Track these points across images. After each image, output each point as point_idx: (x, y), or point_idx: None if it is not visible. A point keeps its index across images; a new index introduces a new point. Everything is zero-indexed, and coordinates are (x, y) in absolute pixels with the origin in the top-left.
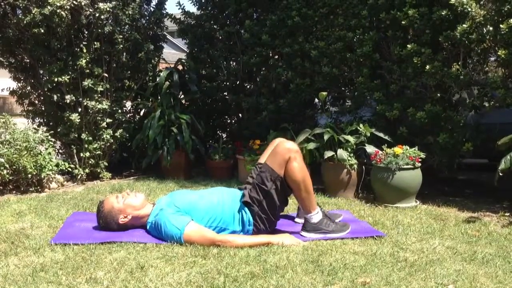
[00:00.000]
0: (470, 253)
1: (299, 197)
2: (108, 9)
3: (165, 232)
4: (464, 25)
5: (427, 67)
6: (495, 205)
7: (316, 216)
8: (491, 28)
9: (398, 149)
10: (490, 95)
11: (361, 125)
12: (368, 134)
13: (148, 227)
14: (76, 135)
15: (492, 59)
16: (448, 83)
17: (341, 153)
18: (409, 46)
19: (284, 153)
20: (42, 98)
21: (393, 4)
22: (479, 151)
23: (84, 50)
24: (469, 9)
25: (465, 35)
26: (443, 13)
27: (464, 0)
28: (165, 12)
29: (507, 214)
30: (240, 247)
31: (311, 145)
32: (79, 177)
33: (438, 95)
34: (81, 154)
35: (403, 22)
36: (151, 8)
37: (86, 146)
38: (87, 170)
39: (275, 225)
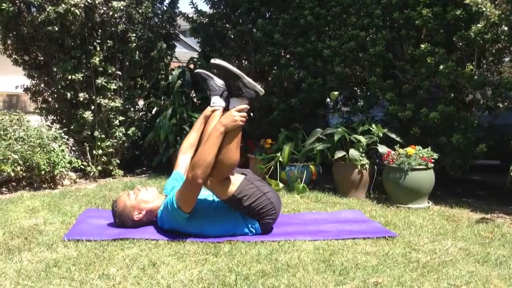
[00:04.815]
0: (483, 254)
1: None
2: (121, 7)
3: (168, 203)
4: (479, 25)
5: (441, 67)
6: (508, 207)
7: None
8: (506, 28)
9: (410, 150)
10: (504, 96)
11: (373, 126)
12: (381, 135)
13: (159, 216)
14: (89, 133)
15: (507, 59)
16: (462, 84)
17: (353, 153)
18: (422, 45)
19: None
20: (55, 95)
21: (406, 3)
22: (491, 152)
23: (98, 48)
24: (484, 9)
25: (480, 35)
26: (457, 13)
27: (478, 0)
28: (177, 11)
29: None
30: (211, 152)
31: (322, 145)
32: (91, 174)
33: (452, 95)
34: (94, 152)
35: (416, 22)
36: (164, 7)
37: (99, 143)
38: (99, 168)
39: (271, 204)
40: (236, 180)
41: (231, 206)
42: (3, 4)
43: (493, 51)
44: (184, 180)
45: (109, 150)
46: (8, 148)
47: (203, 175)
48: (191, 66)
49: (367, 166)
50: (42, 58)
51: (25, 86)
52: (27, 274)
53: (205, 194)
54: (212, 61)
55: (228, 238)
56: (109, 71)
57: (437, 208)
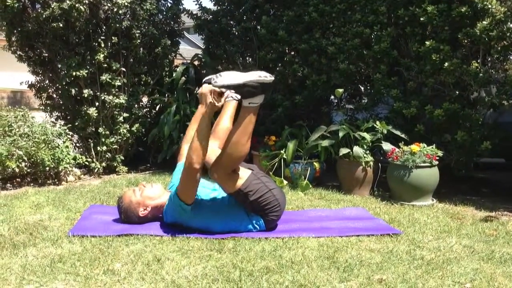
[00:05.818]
0: (487, 252)
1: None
2: (126, 3)
3: (172, 194)
4: (484, 22)
5: (446, 64)
6: None
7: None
8: (511, 25)
9: (415, 147)
10: (509, 94)
11: (377, 123)
12: (385, 132)
13: (164, 211)
14: (93, 129)
15: None
16: (466, 81)
17: (357, 150)
18: (427, 43)
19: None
20: (60, 92)
21: (411, 0)
22: (496, 150)
23: (102, 45)
24: (489, 6)
25: (485, 32)
26: (462, 10)
27: None
28: (182, 7)
29: None
30: (200, 138)
31: (326, 142)
32: (96, 170)
33: (457, 92)
34: (98, 148)
35: (421, 19)
36: (168, 3)
37: (103, 140)
38: (103, 164)
39: (276, 199)
40: (244, 174)
41: (237, 200)
42: (8, 0)
43: (499, 48)
44: (183, 169)
45: (113, 147)
46: (12, 144)
47: (198, 160)
48: (195, 63)
49: (371, 163)
50: (46, 55)
51: (29, 83)
52: (32, 269)
53: (210, 189)
54: (213, 83)
55: (232, 235)
56: (114, 67)
57: (441, 206)
